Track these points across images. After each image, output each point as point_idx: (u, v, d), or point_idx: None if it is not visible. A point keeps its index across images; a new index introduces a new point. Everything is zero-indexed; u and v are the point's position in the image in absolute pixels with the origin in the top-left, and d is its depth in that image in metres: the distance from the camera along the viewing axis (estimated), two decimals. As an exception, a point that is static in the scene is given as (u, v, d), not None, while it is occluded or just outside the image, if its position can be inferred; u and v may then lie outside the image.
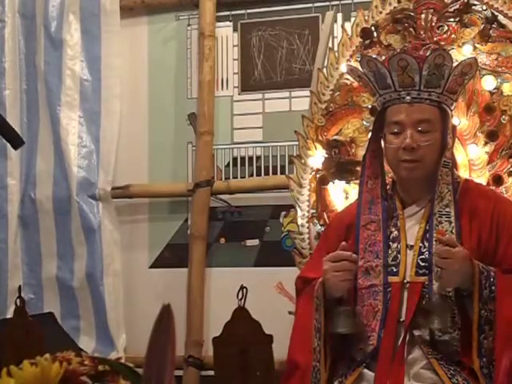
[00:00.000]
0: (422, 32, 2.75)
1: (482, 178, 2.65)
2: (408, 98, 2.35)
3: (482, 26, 2.72)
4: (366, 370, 2.28)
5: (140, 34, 3.80)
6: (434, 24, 2.75)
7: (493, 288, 2.21)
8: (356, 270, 2.34)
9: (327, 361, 2.31)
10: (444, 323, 2.21)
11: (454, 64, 2.37)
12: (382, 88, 2.40)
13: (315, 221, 2.81)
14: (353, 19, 3.03)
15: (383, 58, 2.53)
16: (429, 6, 2.77)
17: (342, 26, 3.21)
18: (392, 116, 2.37)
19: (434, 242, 2.28)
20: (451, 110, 2.40)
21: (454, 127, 2.47)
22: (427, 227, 2.34)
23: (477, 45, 2.71)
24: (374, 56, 2.54)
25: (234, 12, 3.69)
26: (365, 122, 2.78)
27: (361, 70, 2.46)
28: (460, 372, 2.21)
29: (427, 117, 2.34)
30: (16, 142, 2.15)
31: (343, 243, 2.34)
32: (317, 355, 2.31)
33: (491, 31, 2.72)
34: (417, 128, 2.33)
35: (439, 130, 2.35)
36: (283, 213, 3.51)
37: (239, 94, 3.68)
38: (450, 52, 2.53)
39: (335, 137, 2.79)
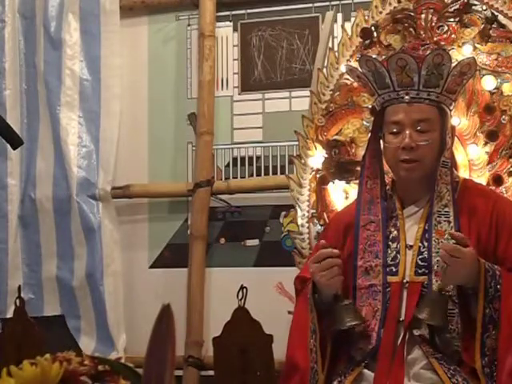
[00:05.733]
0: (422, 32, 2.75)
1: (482, 177, 2.65)
2: (407, 97, 2.35)
3: (481, 26, 2.72)
4: (365, 370, 2.28)
5: (140, 34, 3.80)
6: (434, 24, 2.75)
7: (498, 287, 2.21)
8: (343, 264, 2.33)
9: (325, 361, 2.31)
10: (433, 316, 2.20)
11: (453, 64, 2.37)
12: (380, 88, 2.40)
13: (315, 221, 2.81)
14: (353, 19, 3.03)
15: (383, 58, 2.52)
16: (429, 6, 2.77)
17: (342, 26, 3.21)
18: (391, 116, 2.37)
19: (434, 242, 2.28)
20: (450, 110, 2.40)
21: (453, 127, 2.47)
22: (426, 227, 2.34)
23: (477, 45, 2.71)
24: (373, 56, 2.53)
25: (234, 12, 3.69)
26: (365, 122, 2.78)
27: (360, 69, 2.46)
28: (460, 372, 2.21)
29: (426, 116, 2.34)
30: (15, 142, 2.14)
31: (322, 241, 2.36)
32: (313, 356, 2.31)
33: (491, 31, 2.72)
34: (416, 128, 2.33)
35: (438, 130, 2.35)
36: (283, 213, 3.51)
37: (239, 94, 3.68)
38: (450, 52, 2.53)
39: (335, 137, 2.79)
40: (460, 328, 2.23)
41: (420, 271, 2.31)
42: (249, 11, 3.67)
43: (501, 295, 2.21)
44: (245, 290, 2.84)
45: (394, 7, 2.83)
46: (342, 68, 2.82)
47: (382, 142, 2.42)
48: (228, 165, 3.67)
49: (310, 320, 2.34)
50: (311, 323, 2.33)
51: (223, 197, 3.63)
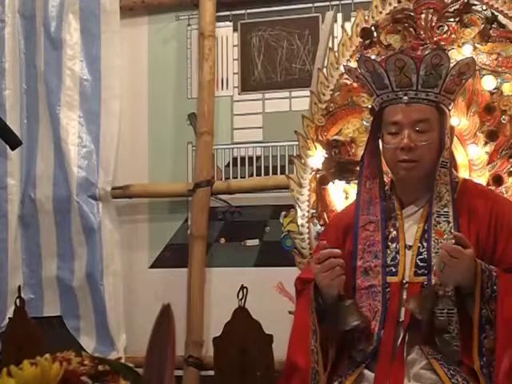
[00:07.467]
0: (422, 32, 2.74)
1: (481, 178, 2.65)
2: (405, 98, 2.35)
3: (481, 26, 2.72)
4: (365, 371, 2.28)
5: (140, 34, 3.80)
6: (434, 24, 2.75)
7: (494, 287, 2.21)
8: (345, 264, 2.33)
9: (327, 363, 2.31)
10: (421, 311, 2.20)
11: (452, 64, 2.36)
12: (379, 88, 2.40)
13: (315, 221, 2.81)
14: (353, 19, 3.03)
15: (383, 58, 2.52)
16: (429, 6, 2.76)
17: (342, 26, 3.21)
18: (389, 116, 2.37)
19: (433, 242, 2.28)
20: (449, 110, 2.40)
21: (452, 127, 2.47)
22: (426, 227, 2.34)
23: (477, 45, 2.71)
24: (372, 56, 2.53)
25: (234, 12, 3.69)
26: (365, 122, 2.78)
27: (358, 70, 2.46)
28: (460, 372, 2.21)
29: (425, 117, 2.34)
30: (13, 142, 2.14)
31: (322, 242, 2.35)
32: (314, 357, 2.30)
33: (491, 31, 2.72)
34: (414, 128, 2.33)
35: (437, 130, 2.35)
36: (283, 213, 3.51)
37: (239, 94, 3.68)
38: (450, 52, 2.53)
39: (335, 137, 2.79)
40: (458, 328, 2.23)
41: (419, 272, 2.30)
42: (249, 11, 3.67)
43: (497, 296, 2.20)
44: (245, 289, 2.84)
45: (394, 7, 2.82)
46: (342, 68, 2.82)
47: (380, 142, 2.42)
48: (228, 165, 3.67)
49: (311, 321, 2.33)
50: (312, 324, 2.33)
51: (223, 197, 3.63)
